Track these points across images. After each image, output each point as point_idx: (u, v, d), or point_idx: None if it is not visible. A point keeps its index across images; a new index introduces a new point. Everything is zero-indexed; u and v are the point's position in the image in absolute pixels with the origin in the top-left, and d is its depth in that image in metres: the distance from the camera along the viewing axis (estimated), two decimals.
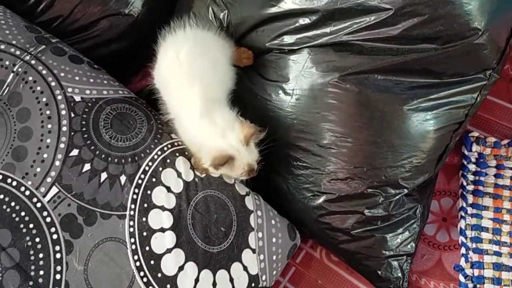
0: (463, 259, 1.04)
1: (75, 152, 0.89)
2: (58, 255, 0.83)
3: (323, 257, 1.13)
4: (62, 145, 0.89)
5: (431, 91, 0.94)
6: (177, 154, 0.94)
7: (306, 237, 1.10)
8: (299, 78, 0.98)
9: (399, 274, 1.01)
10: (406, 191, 0.97)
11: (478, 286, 1.00)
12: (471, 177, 1.12)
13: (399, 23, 0.88)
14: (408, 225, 1.00)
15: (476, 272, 1.02)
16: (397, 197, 0.97)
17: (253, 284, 0.92)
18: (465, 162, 1.14)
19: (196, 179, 0.93)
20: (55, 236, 0.84)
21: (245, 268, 0.92)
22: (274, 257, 0.96)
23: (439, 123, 0.95)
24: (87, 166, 0.89)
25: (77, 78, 0.97)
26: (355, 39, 0.92)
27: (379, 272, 1.01)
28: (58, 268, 0.82)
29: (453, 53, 0.88)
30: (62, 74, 0.95)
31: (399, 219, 0.99)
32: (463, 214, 1.09)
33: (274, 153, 0.99)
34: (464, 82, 0.92)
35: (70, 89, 0.94)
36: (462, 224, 1.08)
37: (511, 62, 1.26)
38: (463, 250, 1.05)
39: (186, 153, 0.95)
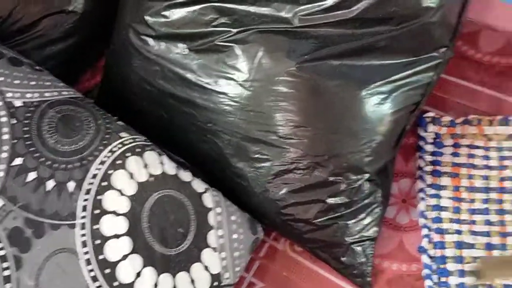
0: (425, 240, 1.05)
1: (18, 161, 0.84)
2: (6, 272, 0.78)
3: (287, 249, 1.12)
4: (4, 155, 0.84)
5: (388, 74, 0.93)
6: (128, 154, 0.90)
7: (269, 230, 1.08)
8: (253, 68, 0.95)
9: (363, 259, 1.01)
10: (367, 176, 0.97)
11: (441, 266, 1.01)
12: (428, 158, 1.13)
13: (355, 5, 0.86)
14: (369, 210, 1.00)
15: (439, 252, 1.03)
16: (358, 182, 0.97)
17: (215, 283, 0.90)
18: (422, 143, 1.15)
19: (150, 179, 0.89)
20: (2, 253, 0.79)
21: (206, 268, 0.90)
22: (237, 253, 0.94)
23: (396, 105, 0.94)
24: (32, 175, 0.84)
25: (17, 81, 0.91)
26: (310, 24, 0.89)
27: (343, 259, 1.01)
28: (8, 285, 0.78)
29: (407, 33, 0.88)
30: (1, 79, 0.89)
31: (361, 205, 0.99)
32: (422, 195, 1.10)
33: (233, 147, 0.97)
34: (420, 62, 0.92)
35: (9, 94, 0.88)
36: (422, 205, 1.09)
37: (463, 38, 1.27)
38: (424, 231, 1.06)
39: (138, 149, 0.91)
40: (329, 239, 1.00)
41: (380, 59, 0.92)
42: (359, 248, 1.00)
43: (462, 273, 1.00)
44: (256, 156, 0.97)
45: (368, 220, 0.99)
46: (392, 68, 0.93)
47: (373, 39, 0.89)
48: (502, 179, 1.07)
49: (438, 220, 1.06)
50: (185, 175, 0.94)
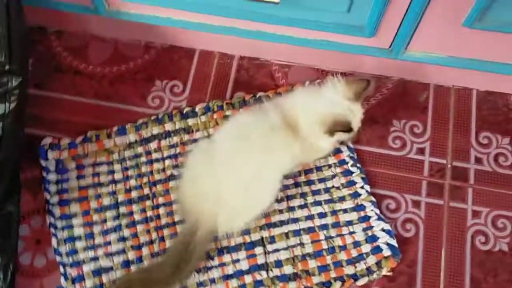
0: (62, 278, 0.98)
1: None
2: None
3: None
4: None
5: None
6: None
7: None
8: None
9: None
10: None
11: None
12: (53, 188, 1.05)
13: None
14: None
15: (78, 286, 0.97)
16: None
17: None
18: (45, 174, 1.06)
19: None
20: None
21: None
22: None
23: None
24: None
25: None
26: None
27: None
28: None
29: None
30: None
31: None
32: (53, 231, 1.02)
33: None
34: None
35: None
36: (54, 242, 1.01)
37: (73, 53, 1.22)
38: (61, 269, 0.99)
39: None
40: None
41: None
42: None
43: None
44: None
45: None
46: None
47: None
48: (129, 190, 1.07)
49: (73, 252, 1.00)
50: None
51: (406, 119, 1.16)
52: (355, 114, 0.98)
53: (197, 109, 1.16)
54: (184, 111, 1.16)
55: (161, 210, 1.05)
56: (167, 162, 1.10)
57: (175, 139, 1.13)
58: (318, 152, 1.07)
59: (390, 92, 1.18)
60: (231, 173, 0.94)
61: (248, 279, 1.00)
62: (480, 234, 1.05)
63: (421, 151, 1.13)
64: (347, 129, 0.96)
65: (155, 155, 1.11)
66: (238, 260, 1.02)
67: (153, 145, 1.12)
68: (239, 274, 1.01)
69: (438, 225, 1.06)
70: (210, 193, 0.94)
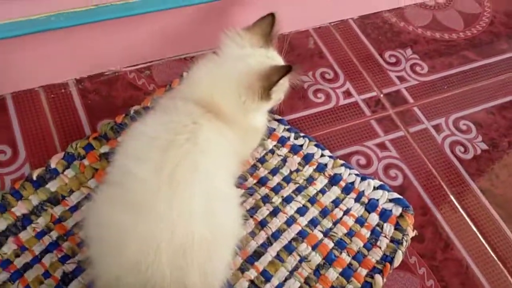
0: None
1: None
2: None
3: None
4: None
5: None
6: None
7: None
8: None
9: None
10: None
11: None
12: None
13: None
14: None
15: None
16: None
17: None
18: None
19: None
20: None
21: None
22: None
23: None
24: None
25: None
26: None
27: None
28: None
29: None
30: None
31: None
32: None
33: None
34: None
35: None
36: None
37: None
38: None
39: None
40: None
41: None
42: None
43: None
44: None
45: None
46: None
47: None
48: None
49: None
50: None
51: (312, 69, 0.96)
52: (277, 60, 0.72)
53: (53, 165, 0.73)
54: (35, 177, 0.72)
55: None
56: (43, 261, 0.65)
57: (41, 222, 0.68)
58: (255, 136, 0.77)
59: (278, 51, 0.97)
60: (174, 207, 0.57)
61: None
62: (455, 145, 0.90)
63: (348, 94, 0.94)
64: (286, 70, 0.67)
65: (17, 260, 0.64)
66: None
67: (11, 245, 0.65)
68: None
69: (415, 155, 0.87)
70: (149, 252, 0.55)
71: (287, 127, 0.85)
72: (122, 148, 0.64)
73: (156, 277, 0.54)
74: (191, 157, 0.59)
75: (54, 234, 0.68)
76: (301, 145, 0.83)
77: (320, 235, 0.73)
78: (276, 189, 0.77)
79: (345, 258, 0.72)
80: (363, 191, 0.79)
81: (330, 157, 0.82)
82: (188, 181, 0.58)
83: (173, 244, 0.55)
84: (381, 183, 0.80)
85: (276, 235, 0.72)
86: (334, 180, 0.80)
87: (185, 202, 0.57)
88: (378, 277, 0.70)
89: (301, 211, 0.75)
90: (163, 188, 0.57)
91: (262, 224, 0.73)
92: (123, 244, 0.55)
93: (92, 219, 0.60)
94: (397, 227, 0.76)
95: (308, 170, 0.80)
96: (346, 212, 0.77)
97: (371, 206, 0.78)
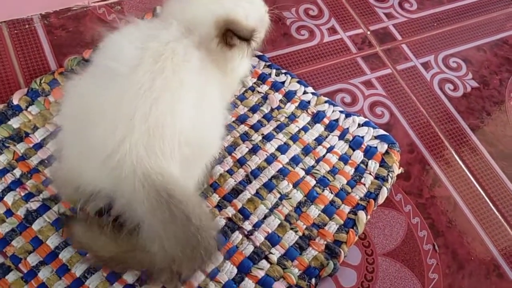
0: None
1: None
2: None
3: None
4: None
5: None
6: None
7: None
8: None
9: None
10: None
11: None
12: None
13: None
14: None
15: None
16: None
17: None
18: None
19: None
20: None
21: None
22: None
23: None
24: None
25: None
26: None
27: None
28: None
29: None
30: None
31: None
32: None
33: None
34: None
35: None
36: None
37: None
38: None
39: None
40: None
41: None
42: None
43: None
44: None
45: None
46: None
47: None
48: None
49: None
50: None
51: (295, 5, 0.90)
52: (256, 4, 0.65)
53: (15, 101, 0.68)
54: None
55: None
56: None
57: (2, 159, 0.64)
58: (236, 77, 0.71)
59: None
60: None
61: (248, 284, 0.60)
62: (444, 82, 0.86)
63: (333, 31, 0.89)
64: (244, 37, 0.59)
65: None
66: (218, 272, 0.60)
67: None
68: (233, 285, 0.60)
69: (403, 93, 0.83)
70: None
71: (268, 63, 0.80)
72: (100, 52, 0.58)
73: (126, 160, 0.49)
74: (181, 51, 0.53)
75: (17, 172, 0.63)
76: (283, 82, 0.78)
77: (302, 173, 0.70)
78: (256, 127, 0.73)
79: (328, 195, 0.68)
80: (347, 128, 0.75)
81: (313, 94, 0.78)
82: (182, 69, 0.52)
83: (148, 121, 0.49)
84: (366, 119, 0.76)
85: (255, 173, 0.68)
86: (317, 117, 0.75)
87: (174, 83, 0.51)
88: (361, 214, 0.67)
89: (282, 148, 0.71)
90: (148, 63, 0.51)
91: (241, 162, 0.69)
92: (95, 122, 0.50)
93: (71, 96, 0.55)
94: (383, 164, 0.72)
95: (290, 107, 0.76)
96: (330, 149, 0.73)
97: (355, 143, 0.74)
